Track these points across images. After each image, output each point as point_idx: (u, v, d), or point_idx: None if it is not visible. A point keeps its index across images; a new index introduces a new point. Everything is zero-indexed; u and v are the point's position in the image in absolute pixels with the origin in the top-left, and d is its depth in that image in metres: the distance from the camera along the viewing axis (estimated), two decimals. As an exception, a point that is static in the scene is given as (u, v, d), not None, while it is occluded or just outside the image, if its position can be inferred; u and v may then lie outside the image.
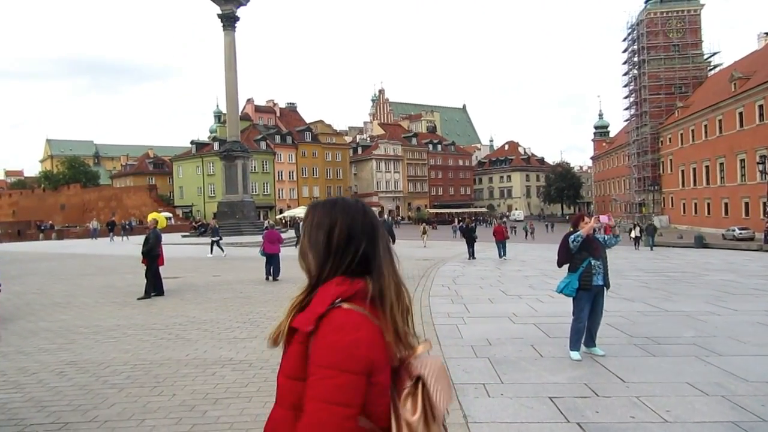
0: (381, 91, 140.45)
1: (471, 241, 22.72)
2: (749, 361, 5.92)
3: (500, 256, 22.42)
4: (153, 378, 5.87)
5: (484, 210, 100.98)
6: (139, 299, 11.85)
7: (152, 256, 12.39)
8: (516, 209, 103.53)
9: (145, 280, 12.29)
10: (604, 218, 6.24)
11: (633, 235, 33.35)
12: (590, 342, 6.33)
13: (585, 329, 6.20)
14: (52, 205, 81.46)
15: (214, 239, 24.81)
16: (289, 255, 18.19)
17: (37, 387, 5.62)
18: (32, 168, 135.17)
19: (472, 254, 22.53)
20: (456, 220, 73.28)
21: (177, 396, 5.19)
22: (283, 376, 1.40)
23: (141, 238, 13.58)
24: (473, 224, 25.08)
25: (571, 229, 6.45)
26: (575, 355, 6.10)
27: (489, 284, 13.44)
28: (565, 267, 6.54)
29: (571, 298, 6.33)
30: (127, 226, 46.26)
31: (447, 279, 14.49)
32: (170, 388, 5.48)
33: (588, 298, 6.13)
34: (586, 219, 6.35)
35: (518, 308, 9.66)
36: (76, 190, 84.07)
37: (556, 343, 6.94)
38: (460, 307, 9.88)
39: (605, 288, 6.27)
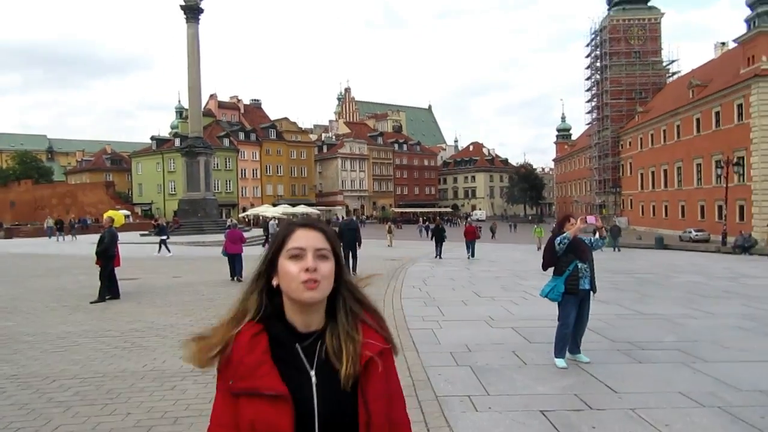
0: (347, 90, 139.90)
1: (440, 240, 22.83)
2: (737, 368, 5.75)
3: (469, 256, 22.44)
4: (105, 394, 5.32)
5: (448, 210, 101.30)
6: (92, 303, 11.11)
7: (107, 256, 11.64)
8: (479, 209, 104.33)
9: (100, 283, 11.55)
10: (591, 219, 5.97)
11: (598, 236, 33.96)
12: (575, 348, 6.06)
13: (570, 335, 5.92)
14: (1, 201, 77.77)
15: (162, 238, 24.29)
16: (252, 254, 17.59)
17: (-30, 406, 5.01)
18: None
19: (439, 254, 22.48)
20: (421, 220, 73.34)
21: (132, 415, 4.66)
22: (375, 402, 1.32)
23: (95, 237, 12.81)
24: (442, 225, 25.32)
25: (557, 231, 6.16)
26: (560, 362, 5.82)
27: (461, 285, 13.16)
28: (547, 270, 6.25)
29: (554, 303, 6.04)
30: (76, 224, 43.61)
31: (417, 280, 14.16)
32: (124, 405, 4.94)
33: (574, 303, 5.86)
34: (572, 220, 6.08)
35: (494, 311, 9.38)
36: (27, 187, 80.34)
37: (538, 349, 6.66)
38: (434, 309, 9.54)
39: (592, 292, 6.00)
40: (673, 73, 69.48)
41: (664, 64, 70.87)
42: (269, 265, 1.36)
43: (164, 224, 25.90)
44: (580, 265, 5.86)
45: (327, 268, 1.32)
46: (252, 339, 1.29)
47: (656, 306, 9.77)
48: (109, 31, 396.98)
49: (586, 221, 5.93)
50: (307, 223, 1.39)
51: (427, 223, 63.40)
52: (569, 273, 5.84)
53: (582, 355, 6.04)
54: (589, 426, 4.15)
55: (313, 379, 1.29)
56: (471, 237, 22.94)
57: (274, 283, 1.34)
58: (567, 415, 4.39)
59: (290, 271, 1.29)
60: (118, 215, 14.17)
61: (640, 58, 69.75)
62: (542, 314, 9.00)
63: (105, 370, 6.16)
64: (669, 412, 4.41)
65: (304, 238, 1.33)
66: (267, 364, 1.26)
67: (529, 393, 4.98)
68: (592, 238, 6.17)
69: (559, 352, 5.89)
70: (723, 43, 59.84)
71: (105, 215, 13.43)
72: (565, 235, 5.85)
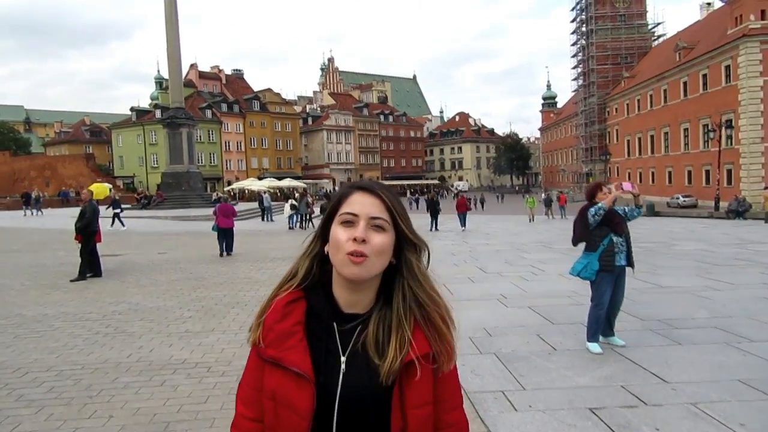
0: (330, 60, 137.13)
1: (435, 213, 23.12)
2: (787, 348, 5.22)
3: (462, 227, 22.61)
4: (84, 390, 4.65)
5: (436, 182, 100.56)
6: (72, 281, 10.41)
7: (89, 232, 10.87)
8: (465, 180, 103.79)
9: (80, 259, 10.80)
10: (627, 185, 5.31)
11: (634, 205, 33.45)
12: (608, 331, 5.49)
13: (605, 317, 5.34)
14: (-22, 174, 75.58)
15: (115, 211, 23.88)
16: (242, 229, 16.94)
17: (-75, 409, 4.32)
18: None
19: (435, 226, 22.80)
20: (408, 192, 72.65)
21: (115, 419, 4.01)
22: (416, 409, 1.18)
23: (74, 211, 12.02)
24: (437, 197, 25.69)
25: (587, 202, 5.53)
26: (595, 347, 5.25)
27: (462, 260, 12.58)
28: (577, 245, 5.64)
29: (570, 278, 5.45)
30: (40, 198, 39.83)
31: (415, 254, 13.53)
32: (105, 405, 4.28)
33: (610, 281, 5.26)
34: (605, 188, 5.44)
35: (505, 288, 8.80)
36: (4, 158, 77.92)
37: (563, 331, 6.09)
38: (441, 288, 8.93)
39: (629, 268, 5.41)
40: (659, 36, 68.90)
41: (650, 27, 70.11)
42: (324, 229, 1.24)
43: (117, 198, 25.79)
44: (615, 238, 5.25)
45: (380, 241, 1.16)
46: (287, 306, 1.22)
47: (672, 278, 9.25)
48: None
49: (622, 188, 5.29)
50: (366, 186, 1.23)
51: (416, 195, 62.89)
52: (604, 248, 5.23)
53: (616, 338, 5.47)
54: (651, 428, 3.58)
55: (342, 366, 1.17)
56: (463, 209, 23.19)
57: (326, 249, 1.22)
58: (621, 413, 3.81)
59: (338, 238, 1.17)
60: (102, 187, 13.42)
61: (626, 22, 68.92)
62: (557, 291, 8.50)
63: (84, 361, 5.49)
64: (737, 407, 3.85)
65: (359, 203, 1.19)
66: (296, 336, 1.18)
67: (569, 386, 4.40)
68: (626, 208, 5.53)
69: (592, 336, 5.31)
70: (709, 4, 59.04)
71: (86, 189, 12.63)
72: (600, 205, 5.21)
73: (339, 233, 1.17)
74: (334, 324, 1.20)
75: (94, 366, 5.32)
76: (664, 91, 54.13)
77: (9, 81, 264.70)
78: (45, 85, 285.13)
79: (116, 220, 23.58)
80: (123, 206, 26.44)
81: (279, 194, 57.32)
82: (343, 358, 1.18)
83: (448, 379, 1.25)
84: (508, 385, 4.43)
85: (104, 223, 22.75)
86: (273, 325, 1.20)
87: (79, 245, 10.90)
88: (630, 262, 5.36)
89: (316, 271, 1.25)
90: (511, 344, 5.60)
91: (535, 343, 5.62)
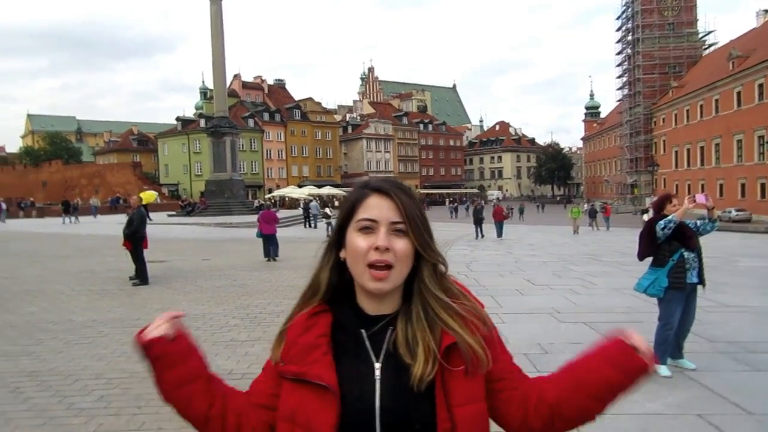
0: (370, 69, 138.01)
1: (479, 221, 23.67)
2: None
3: (498, 236, 23.04)
4: (133, 400, 4.59)
5: (475, 191, 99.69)
6: (134, 285, 10.65)
7: (137, 238, 11.04)
8: (499, 189, 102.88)
9: (135, 265, 10.99)
10: (701, 198, 4.96)
11: (646, 218, 32.38)
12: (677, 353, 5.13)
13: (674, 338, 5.00)
14: (33, 181, 78.83)
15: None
16: (284, 236, 17.02)
17: (-22, 415, 4.33)
18: (13, 144, 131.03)
19: (480, 233, 23.23)
20: (447, 201, 72.11)
21: (162, 431, 3.92)
22: (461, 407, 1.07)
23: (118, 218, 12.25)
24: (481, 206, 25.92)
25: (653, 214, 5.21)
26: (663, 370, 4.90)
27: (509, 271, 12.25)
28: (643, 260, 5.32)
29: (653, 298, 5.11)
30: (78, 205, 39.14)
31: (460, 265, 13.26)
32: (154, 417, 4.20)
33: (680, 300, 4.92)
34: (675, 200, 5.11)
35: (556, 302, 8.46)
36: (57, 167, 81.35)
37: (625, 349, 5.74)
38: (489, 300, 8.64)
39: (701, 286, 5.05)
40: (710, 45, 66.69)
41: (700, 36, 67.97)
42: (339, 235, 1.15)
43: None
44: (686, 254, 4.91)
45: (402, 246, 1.08)
46: (310, 318, 1.14)
47: (737, 296, 8.75)
48: (130, 13, 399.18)
49: (695, 201, 4.95)
50: (382, 188, 1.12)
51: (455, 204, 62.44)
52: (673, 264, 4.89)
53: (686, 361, 5.12)
54: (739, 463, 3.27)
55: (377, 373, 1.07)
56: (499, 218, 23.82)
57: (342, 256, 1.14)
58: (703, 446, 3.50)
59: (358, 247, 1.08)
60: (149, 194, 13.77)
61: (674, 31, 66.94)
62: (611, 306, 8.13)
63: (133, 369, 5.44)
64: (834, 444, 3.50)
65: (377, 208, 1.09)
66: (321, 349, 1.09)
67: (639, 412, 4.08)
68: (699, 222, 5.18)
69: (660, 358, 4.95)
70: (766, 11, 56.83)
71: (135, 196, 12.91)
72: (670, 218, 4.88)
73: (358, 241, 1.08)
74: (362, 331, 1.12)
75: (141, 375, 5.25)
76: (716, 101, 52.31)
77: (62, 92, 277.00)
78: (95, 96, 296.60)
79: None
80: (169, 213, 26.92)
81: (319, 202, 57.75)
82: (377, 365, 1.09)
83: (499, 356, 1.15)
84: (572, 410, 4.15)
85: (168, 230, 23.57)
86: (296, 339, 1.12)
87: (128, 251, 11.09)
88: (701, 280, 5.01)
89: (336, 280, 1.17)
90: (570, 364, 5.30)
91: (597, 364, 5.30)
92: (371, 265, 1.07)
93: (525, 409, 1.14)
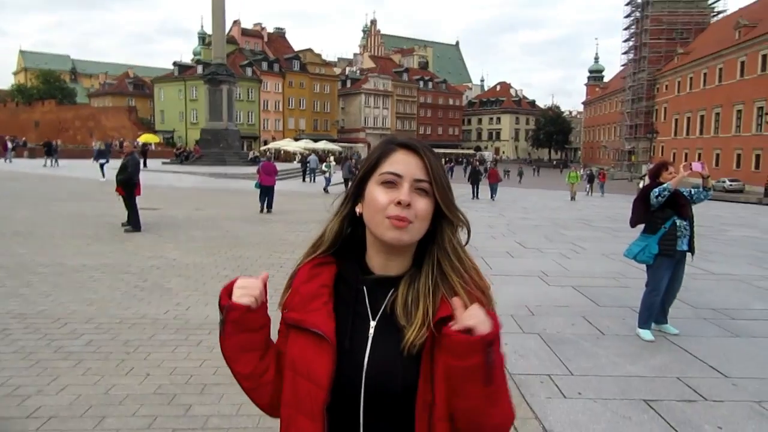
0: (373, 22, 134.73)
1: (476, 182, 24.22)
2: None
3: (492, 197, 23.40)
4: (121, 345, 4.63)
5: (472, 152, 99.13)
6: (126, 231, 10.62)
7: (130, 185, 10.93)
8: (499, 151, 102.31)
9: (128, 211, 10.92)
10: (697, 165, 4.92)
11: (641, 185, 32.31)
12: (662, 318, 5.20)
13: (660, 303, 5.05)
14: (26, 121, 77.34)
15: (101, 161, 24.33)
16: (280, 189, 16.92)
17: (-34, 354, 4.36)
18: (5, 80, 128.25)
19: (476, 194, 23.83)
20: (444, 161, 71.70)
21: (151, 378, 3.96)
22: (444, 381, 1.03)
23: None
24: (478, 167, 26.55)
25: (648, 181, 5.19)
26: (646, 334, 4.98)
27: (501, 234, 12.29)
28: (635, 227, 5.32)
29: (642, 264, 5.14)
30: (57, 148, 36.43)
31: (452, 224, 13.28)
32: (142, 363, 4.24)
33: (669, 267, 4.95)
34: (671, 168, 5.08)
35: (545, 265, 8.52)
36: (51, 107, 79.77)
37: (610, 314, 5.82)
38: (479, 261, 8.62)
39: (690, 254, 5.08)
40: (719, 13, 65.44)
41: (710, 2, 66.56)
42: (357, 189, 1.12)
43: (102, 148, 27.05)
44: (678, 222, 4.91)
45: (423, 206, 1.06)
46: (314, 268, 1.14)
47: (725, 265, 8.84)
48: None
49: (691, 168, 4.92)
50: (410, 144, 1.10)
51: (452, 164, 62.18)
52: (665, 231, 4.90)
53: (669, 326, 5.19)
54: (714, 426, 3.34)
55: (371, 331, 1.08)
56: (494, 180, 24.12)
57: (358, 210, 1.12)
58: (679, 408, 3.57)
59: (378, 200, 1.06)
60: (152, 136, 13.56)
61: (685, -6, 65.57)
62: (600, 271, 8.20)
63: (122, 315, 5.49)
64: (808, 412, 3.58)
65: (404, 163, 1.07)
66: (322, 298, 1.10)
67: (620, 374, 4.16)
68: (693, 190, 5.15)
69: (644, 322, 5.04)
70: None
71: (137, 140, 12.76)
72: (665, 186, 4.86)
73: (379, 194, 1.06)
74: (364, 288, 1.12)
75: (131, 321, 5.31)
76: (720, 70, 51.69)
77: (57, 29, 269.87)
78: (91, 35, 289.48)
79: (103, 170, 23.78)
80: (164, 161, 26.62)
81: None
82: (372, 323, 1.09)
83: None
84: (554, 369, 4.23)
85: (161, 178, 23.35)
86: (299, 288, 1.13)
87: (120, 198, 11.02)
88: (691, 248, 5.03)
89: (346, 233, 1.16)
90: (555, 325, 5.37)
91: (581, 326, 5.38)
92: (391, 219, 1.05)
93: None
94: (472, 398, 1.00)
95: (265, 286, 1.16)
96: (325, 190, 23.81)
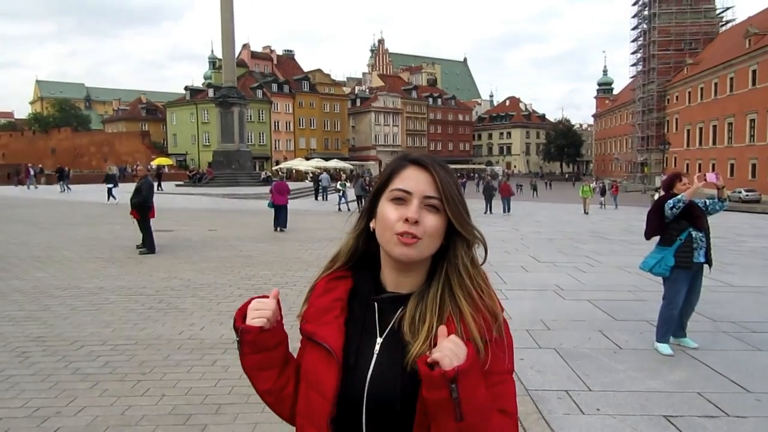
0: (380, 41, 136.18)
1: (490, 197, 24.68)
2: None
3: (504, 212, 23.80)
4: (137, 366, 4.65)
5: (483, 166, 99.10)
6: (141, 253, 10.72)
7: (144, 207, 11.06)
8: (510, 165, 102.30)
9: (143, 234, 11.04)
10: (711, 176, 4.88)
11: (656, 197, 31.93)
12: (680, 331, 5.13)
13: (678, 317, 4.98)
14: (42, 148, 78.90)
15: (109, 186, 25.12)
16: (293, 208, 16.98)
17: (-14, 377, 4.40)
18: (23, 110, 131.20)
19: (489, 209, 24.18)
20: (457, 176, 71.55)
21: (167, 398, 3.97)
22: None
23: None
24: (492, 182, 27.05)
25: (662, 193, 5.15)
26: (665, 348, 4.91)
27: (514, 248, 12.22)
28: (650, 239, 5.27)
29: (658, 277, 5.09)
30: (68, 174, 36.73)
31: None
32: (158, 383, 4.26)
33: (686, 279, 4.89)
34: (685, 179, 5.04)
35: (560, 279, 8.45)
36: (66, 134, 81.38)
37: (627, 328, 5.75)
38: (493, 276, 8.61)
39: (707, 266, 5.01)
40: (727, 22, 65.31)
41: (718, 11, 66.50)
42: (371, 205, 1.14)
43: (112, 173, 27.57)
44: (694, 233, 4.86)
45: (433, 223, 1.06)
46: (330, 282, 1.17)
47: (743, 277, 8.71)
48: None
49: (705, 180, 4.88)
50: (420, 160, 1.11)
51: (464, 179, 62.16)
52: (681, 243, 4.85)
53: (688, 340, 5.11)
54: (737, 442, 3.28)
55: (377, 347, 1.08)
56: (506, 194, 24.57)
57: (372, 225, 1.13)
58: (701, 424, 3.51)
59: (387, 217, 1.07)
60: (165, 159, 13.87)
61: (692, 5, 65.60)
62: (616, 284, 8.11)
63: (138, 336, 5.52)
64: (833, 425, 3.50)
65: (413, 180, 1.08)
66: (334, 312, 1.12)
67: (639, 389, 4.10)
68: (708, 201, 5.11)
69: (662, 336, 4.97)
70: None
71: (151, 164, 12.94)
72: (679, 197, 4.82)
73: (389, 211, 1.08)
74: (375, 303, 1.12)
75: (147, 342, 5.34)
76: (731, 79, 51.43)
77: (71, 59, 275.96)
78: (103, 64, 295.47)
79: (111, 194, 24.86)
80: (177, 183, 26.95)
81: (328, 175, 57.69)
82: (379, 339, 1.10)
83: (495, 366, 1.06)
84: (572, 385, 4.17)
85: (173, 200, 23.73)
86: (314, 301, 1.17)
87: (135, 221, 11.14)
88: (708, 260, 4.97)
89: (361, 249, 1.18)
90: (572, 340, 5.31)
91: (598, 340, 5.32)
92: (399, 236, 1.05)
93: None
94: (444, 430, 0.98)
95: (278, 302, 1.18)
96: (340, 208, 23.92)
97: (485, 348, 1.03)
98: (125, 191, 16.79)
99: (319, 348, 1.10)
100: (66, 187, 33.54)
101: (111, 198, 24.65)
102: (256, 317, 1.13)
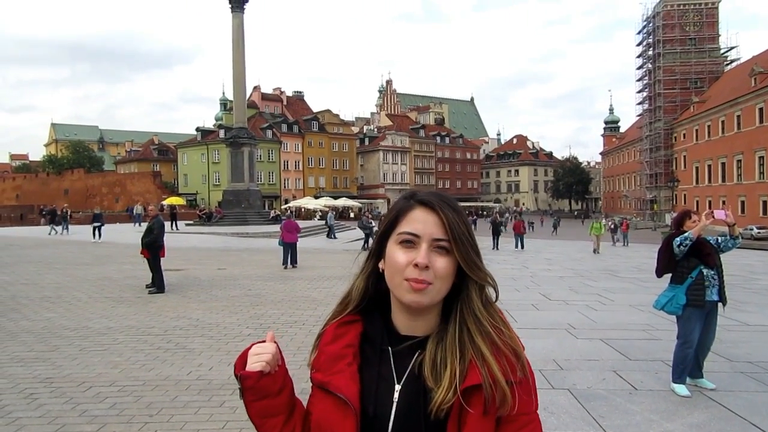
0: (388, 82, 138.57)
1: (497, 233, 25.99)
2: None
3: (516, 247, 24.97)
4: (144, 408, 4.60)
5: (492, 204, 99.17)
6: (151, 293, 10.72)
7: (155, 247, 11.12)
8: (518, 203, 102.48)
9: (152, 273, 11.08)
10: (720, 213, 4.86)
11: (729, 235, 31.59)
12: (697, 372, 5.02)
13: (693, 356, 4.89)
14: (56, 189, 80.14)
15: (95, 225, 25.72)
16: (302, 247, 17.03)
17: (-7, 420, 4.36)
18: (37, 152, 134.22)
19: (496, 245, 25.23)
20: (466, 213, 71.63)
21: (174, 441, 3.92)
22: None
23: (126, 227, 12.39)
24: (499, 219, 28.27)
25: (673, 230, 5.13)
26: (682, 389, 4.80)
27: (524, 286, 12.12)
28: (662, 277, 5.22)
29: (672, 316, 5.01)
30: (68, 215, 33.13)
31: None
32: (165, 426, 4.20)
33: (699, 317, 4.81)
34: (695, 216, 5.02)
35: (572, 318, 8.34)
36: (80, 175, 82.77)
37: (642, 368, 5.64)
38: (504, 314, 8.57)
39: (721, 304, 4.94)
40: (732, 61, 65.98)
41: (722, 51, 67.27)
42: (379, 246, 1.11)
43: (100, 212, 28.18)
44: (705, 271, 4.81)
45: (443, 265, 1.03)
46: (340, 327, 1.13)
47: (758, 315, 8.57)
48: (150, 25, 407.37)
49: (713, 216, 4.86)
50: (428, 201, 1.07)
51: (474, 217, 62.23)
52: (692, 281, 4.79)
53: (706, 380, 5.00)
54: (760, 488, 3.17)
55: (396, 395, 1.05)
56: (519, 231, 25.65)
57: (381, 267, 1.10)
58: (722, 468, 3.40)
59: (397, 261, 1.04)
60: (177, 198, 14.12)
61: (696, 46, 66.41)
62: (629, 323, 7.99)
63: (146, 377, 5.47)
64: None
65: (421, 222, 1.05)
66: (346, 359, 1.08)
67: None
68: (720, 239, 5.07)
69: (678, 377, 4.86)
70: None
71: (152, 205, 13.08)
72: (686, 235, 4.80)
73: (398, 255, 1.04)
74: (389, 348, 1.09)
75: (154, 382, 5.29)
76: (738, 117, 51.74)
77: (84, 102, 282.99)
78: (116, 106, 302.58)
79: (97, 232, 25.49)
80: (187, 222, 27.18)
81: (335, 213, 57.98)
82: (397, 387, 1.06)
83: (523, 413, 1.04)
84: (587, 427, 4.07)
85: (185, 239, 23.92)
86: (324, 348, 1.12)
87: (145, 260, 11.19)
88: (722, 298, 4.90)
89: (372, 291, 1.14)
90: (585, 380, 5.21)
91: (613, 381, 5.21)
92: (409, 281, 1.03)
93: None
94: None
95: (278, 345, 1.14)
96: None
97: (511, 390, 1.01)
98: (117, 230, 16.84)
99: (332, 398, 1.06)
100: (60, 229, 30.59)
101: (97, 236, 25.26)
102: (256, 362, 1.09)
